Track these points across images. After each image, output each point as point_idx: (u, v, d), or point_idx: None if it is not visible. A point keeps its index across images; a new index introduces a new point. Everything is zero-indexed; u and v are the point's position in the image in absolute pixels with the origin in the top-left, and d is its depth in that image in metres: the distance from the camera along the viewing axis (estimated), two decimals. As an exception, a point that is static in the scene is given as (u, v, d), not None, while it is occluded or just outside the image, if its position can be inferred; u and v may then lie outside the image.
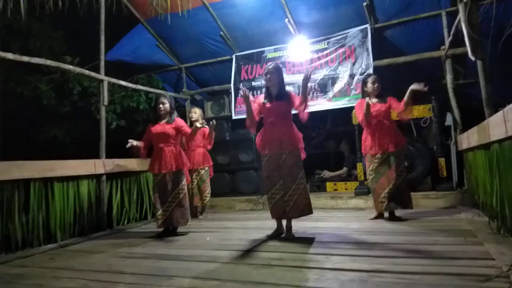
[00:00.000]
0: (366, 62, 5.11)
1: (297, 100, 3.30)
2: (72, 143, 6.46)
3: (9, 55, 3.55)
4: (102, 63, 4.58)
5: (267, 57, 5.89)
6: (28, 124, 6.24)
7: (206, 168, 4.96)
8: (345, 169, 6.04)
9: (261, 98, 3.44)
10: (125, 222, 4.71)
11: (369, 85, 3.88)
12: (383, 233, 3.21)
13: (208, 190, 4.94)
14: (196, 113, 5.04)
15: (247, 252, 2.85)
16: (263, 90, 3.58)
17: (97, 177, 4.32)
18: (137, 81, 6.11)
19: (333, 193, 5.62)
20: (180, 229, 3.90)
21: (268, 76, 3.35)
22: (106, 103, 4.57)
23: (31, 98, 5.95)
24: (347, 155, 6.17)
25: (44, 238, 3.63)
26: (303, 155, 3.34)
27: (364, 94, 3.96)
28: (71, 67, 4.25)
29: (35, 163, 3.62)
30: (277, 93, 3.34)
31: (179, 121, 3.91)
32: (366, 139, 3.91)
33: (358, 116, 3.99)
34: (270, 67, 3.38)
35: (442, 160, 4.75)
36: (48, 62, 3.95)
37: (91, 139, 4.68)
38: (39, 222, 3.60)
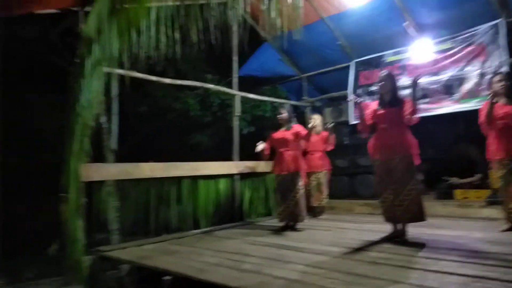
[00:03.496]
0: (499, 60, 4.66)
1: (407, 106, 3.36)
2: (213, 147, 7.60)
3: (167, 80, 4.61)
4: (235, 80, 5.40)
5: (386, 61, 5.85)
6: (179, 132, 7.63)
7: (325, 171, 5.30)
8: (477, 175, 5.56)
9: (373, 105, 3.61)
10: (253, 216, 5.42)
11: (494, 84, 3.67)
12: (507, 244, 3.04)
13: (325, 192, 5.27)
14: (316, 119, 5.42)
15: (357, 250, 3.11)
16: None
17: (232, 176, 5.14)
18: (263, 93, 6.84)
19: (462, 201, 5.26)
20: (299, 225, 4.35)
21: (382, 83, 3.51)
22: (238, 113, 5.38)
23: (181, 110, 7.29)
24: (479, 161, 5.65)
25: (192, 224, 4.56)
26: (417, 161, 3.37)
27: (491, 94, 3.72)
28: (211, 85, 5.19)
29: (186, 164, 4.59)
30: (390, 100, 3.47)
31: (296, 127, 4.38)
32: (492, 143, 3.69)
33: (480, 117, 3.78)
34: (383, 74, 3.54)
35: None
36: (195, 83, 4.93)
37: (228, 143, 5.56)
38: (188, 212, 4.56)
